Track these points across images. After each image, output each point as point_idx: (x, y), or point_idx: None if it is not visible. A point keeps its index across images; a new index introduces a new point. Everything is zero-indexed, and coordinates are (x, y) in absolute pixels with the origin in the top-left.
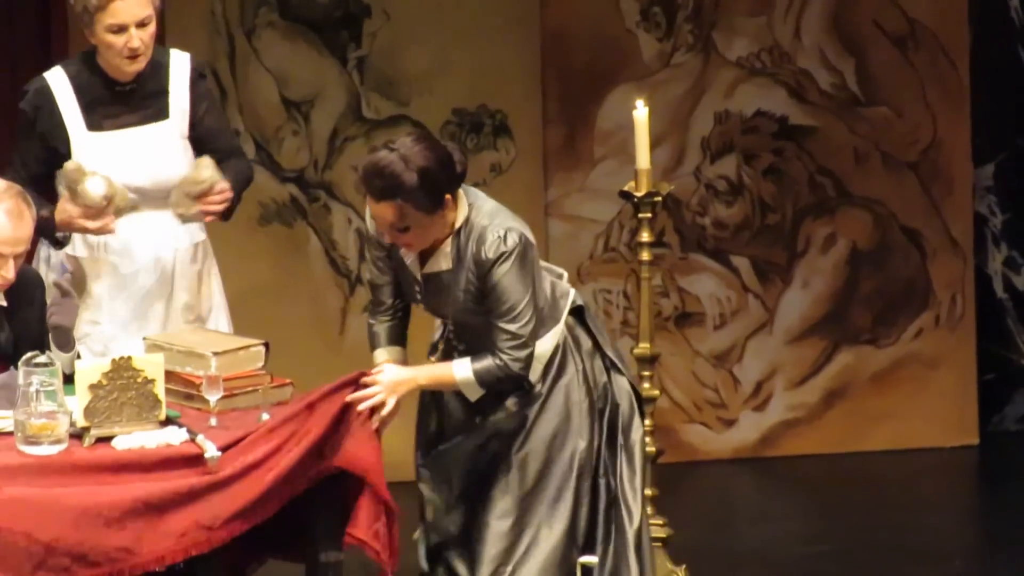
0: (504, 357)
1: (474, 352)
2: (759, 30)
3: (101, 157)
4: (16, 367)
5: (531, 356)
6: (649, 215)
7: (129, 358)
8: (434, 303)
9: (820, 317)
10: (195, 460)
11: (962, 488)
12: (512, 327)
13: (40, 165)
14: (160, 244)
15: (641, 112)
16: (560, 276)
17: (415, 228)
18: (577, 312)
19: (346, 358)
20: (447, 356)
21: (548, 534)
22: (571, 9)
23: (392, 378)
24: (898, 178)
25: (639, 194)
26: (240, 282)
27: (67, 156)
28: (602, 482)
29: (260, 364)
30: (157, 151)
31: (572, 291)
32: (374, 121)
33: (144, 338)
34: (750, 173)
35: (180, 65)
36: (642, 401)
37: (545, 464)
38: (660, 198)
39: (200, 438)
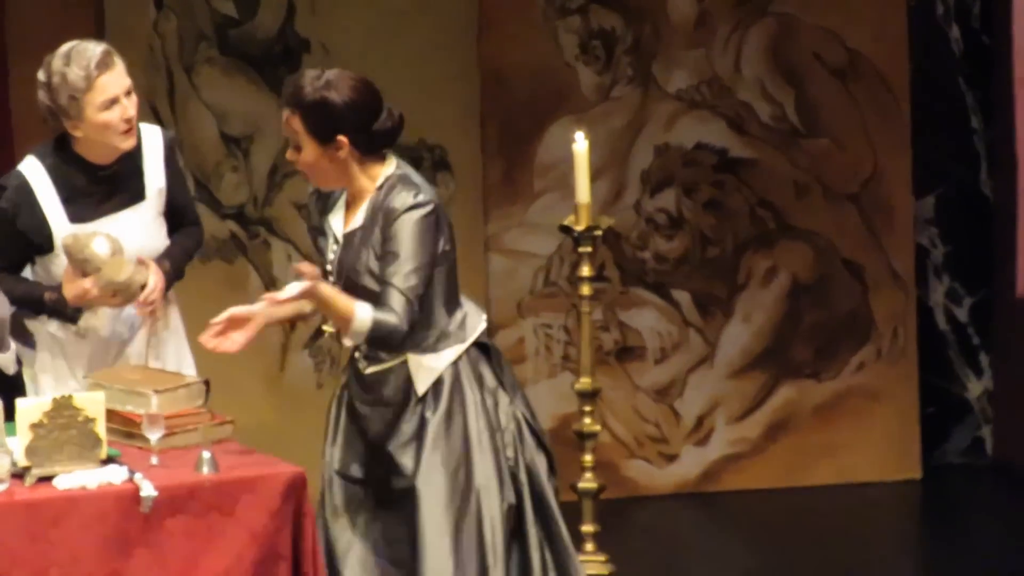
0: (392, 314)
1: (373, 352)
2: (698, 62)
3: None
4: None
5: (414, 314)
6: (589, 249)
7: (70, 397)
8: (342, 265)
9: (761, 351)
10: (134, 499)
11: (906, 522)
12: (402, 280)
13: (19, 255)
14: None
15: (581, 145)
16: (480, 312)
17: (305, 151)
18: (484, 350)
19: (286, 395)
20: (353, 369)
21: None
22: (509, 42)
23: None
24: (839, 210)
25: (579, 228)
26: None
27: (49, 248)
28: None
29: (201, 402)
30: (137, 234)
31: (483, 324)
32: None
33: (84, 376)
34: (690, 206)
35: (153, 141)
36: (552, 456)
37: (451, 499)
38: (600, 232)
39: (137, 476)
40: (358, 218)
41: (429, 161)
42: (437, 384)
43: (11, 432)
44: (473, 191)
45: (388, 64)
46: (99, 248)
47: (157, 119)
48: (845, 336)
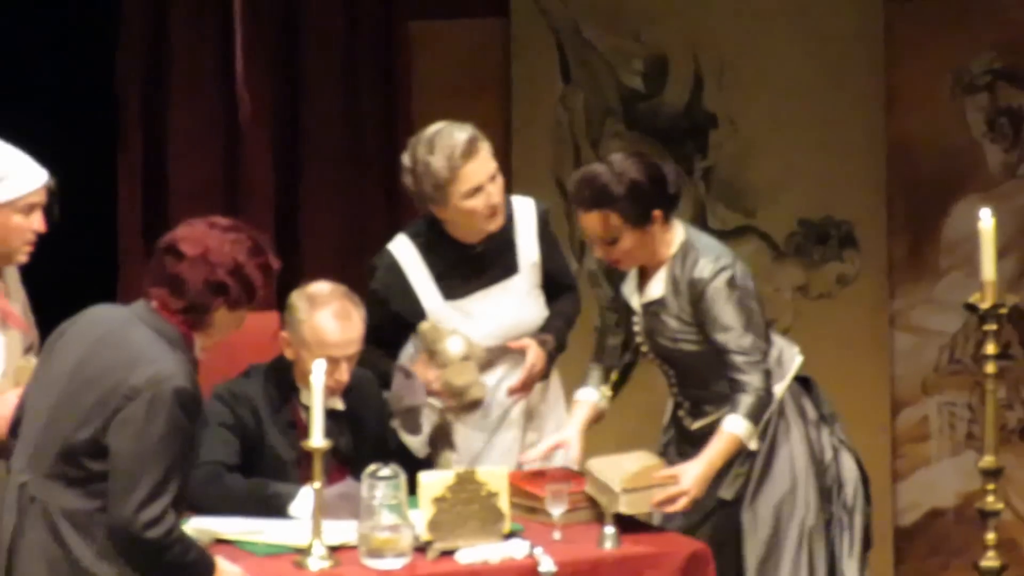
0: (745, 378)
1: (699, 408)
2: None
3: (456, 322)
4: (357, 472)
5: (768, 372)
6: (995, 327)
7: (472, 471)
8: (651, 335)
9: None
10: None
11: None
12: (737, 342)
13: (394, 336)
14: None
15: (987, 223)
16: (792, 345)
17: (622, 241)
18: (804, 384)
19: None
20: (678, 427)
21: None
22: (917, 118)
23: (695, 475)
24: None
25: (985, 306)
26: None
27: (411, 324)
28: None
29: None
30: (511, 309)
31: (799, 358)
32: (720, 232)
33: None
34: None
35: (525, 214)
36: (868, 483)
37: (774, 533)
38: (1006, 310)
39: (537, 551)
40: (655, 288)
41: (836, 237)
42: None
43: (413, 505)
44: (879, 267)
45: (796, 138)
46: (452, 347)
47: (563, 192)
48: None
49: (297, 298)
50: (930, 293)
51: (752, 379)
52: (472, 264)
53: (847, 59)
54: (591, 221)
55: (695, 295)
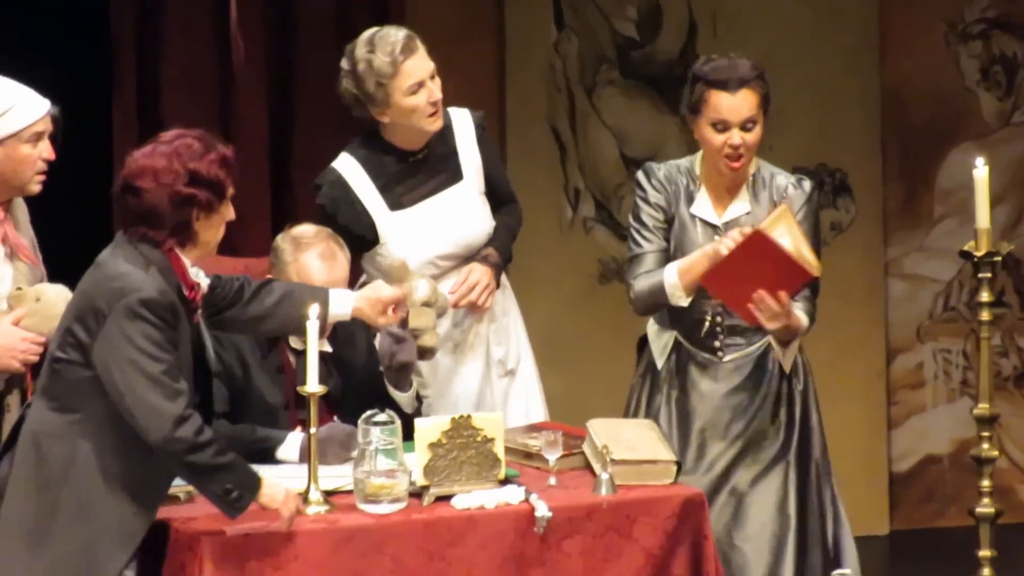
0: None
1: (733, 337)
2: None
3: (406, 233)
4: (344, 415)
5: (815, 303)
6: (989, 275)
7: (469, 417)
8: None
9: None
10: (531, 520)
11: None
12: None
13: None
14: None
15: (981, 171)
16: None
17: (757, 128)
18: None
19: None
20: (688, 360)
21: None
22: (910, 67)
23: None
24: None
25: (979, 254)
26: (578, 340)
27: (374, 239)
28: None
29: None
30: (459, 215)
31: None
32: None
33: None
34: None
35: (463, 123)
36: None
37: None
38: (1000, 258)
39: (533, 497)
40: (740, 206)
41: (830, 185)
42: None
43: (409, 450)
44: (874, 215)
45: (790, 86)
46: (418, 290)
47: (558, 139)
48: None
49: (282, 241)
50: (924, 241)
51: (805, 304)
52: (416, 173)
53: (841, 6)
54: (744, 99)
55: (779, 196)
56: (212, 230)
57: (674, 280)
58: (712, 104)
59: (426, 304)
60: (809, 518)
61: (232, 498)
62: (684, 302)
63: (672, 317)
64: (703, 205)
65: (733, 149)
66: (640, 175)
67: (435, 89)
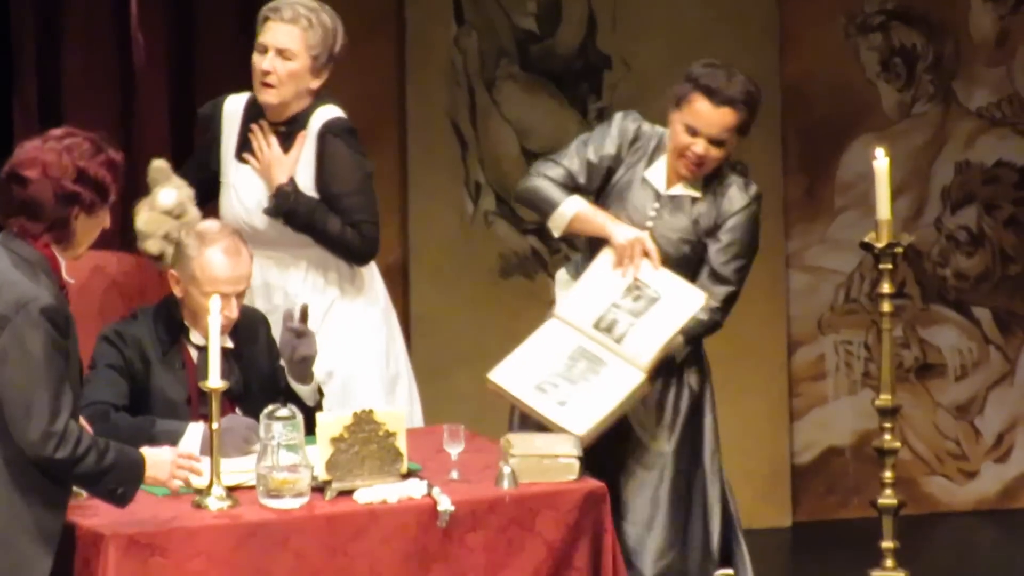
0: (715, 308)
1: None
2: (999, 80)
3: (234, 187)
4: (245, 410)
5: (728, 311)
6: (890, 266)
7: (371, 411)
8: (660, 222)
9: None
10: (434, 514)
11: None
12: (729, 270)
13: (195, 172)
14: (294, 291)
15: (881, 162)
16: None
17: (726, 146)
18: None
19: None
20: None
21: None
22: (810, 59)
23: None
24: None
25: (880, 245)
26: (480, 334)
27: (216, 174)
28: None
29: (574, 477)
30: (260, 199)
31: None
32: None
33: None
34: (991, 224)
35: (317, 119)
36: None
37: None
38: (901, 249)
39: (435, 491)
40: (690, 190)
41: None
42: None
43: (311, 443)
44: (774, 208)
45: None
46: (163, 196)
47: (458, 135)
48: None
49: (186, 235)
50: (825, 233)
51: (721, 315)
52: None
53: (740, 0)
54: (723, 116)
55: (725, 213)
56: (88, 234)
57: (569, 213)
58: (692, 107)
59: (167, 213)
60: (684, 512)
61: (119, 494)
62: (556, 234)
63: None
64: (657, 172)
65: (696, 156)
66: (619, 115)
67: (278, 64)
